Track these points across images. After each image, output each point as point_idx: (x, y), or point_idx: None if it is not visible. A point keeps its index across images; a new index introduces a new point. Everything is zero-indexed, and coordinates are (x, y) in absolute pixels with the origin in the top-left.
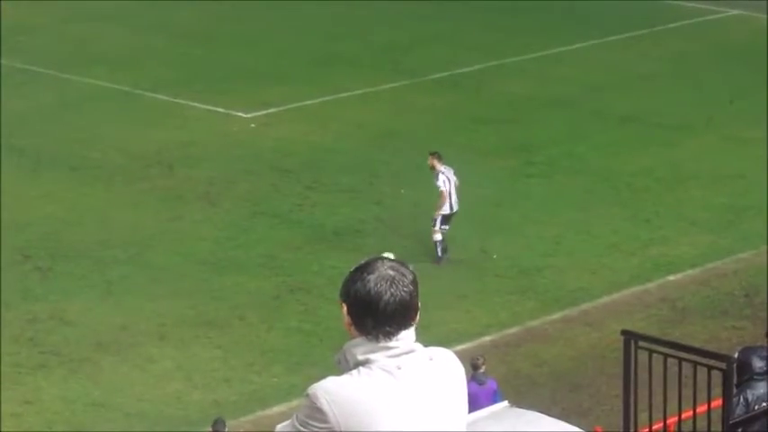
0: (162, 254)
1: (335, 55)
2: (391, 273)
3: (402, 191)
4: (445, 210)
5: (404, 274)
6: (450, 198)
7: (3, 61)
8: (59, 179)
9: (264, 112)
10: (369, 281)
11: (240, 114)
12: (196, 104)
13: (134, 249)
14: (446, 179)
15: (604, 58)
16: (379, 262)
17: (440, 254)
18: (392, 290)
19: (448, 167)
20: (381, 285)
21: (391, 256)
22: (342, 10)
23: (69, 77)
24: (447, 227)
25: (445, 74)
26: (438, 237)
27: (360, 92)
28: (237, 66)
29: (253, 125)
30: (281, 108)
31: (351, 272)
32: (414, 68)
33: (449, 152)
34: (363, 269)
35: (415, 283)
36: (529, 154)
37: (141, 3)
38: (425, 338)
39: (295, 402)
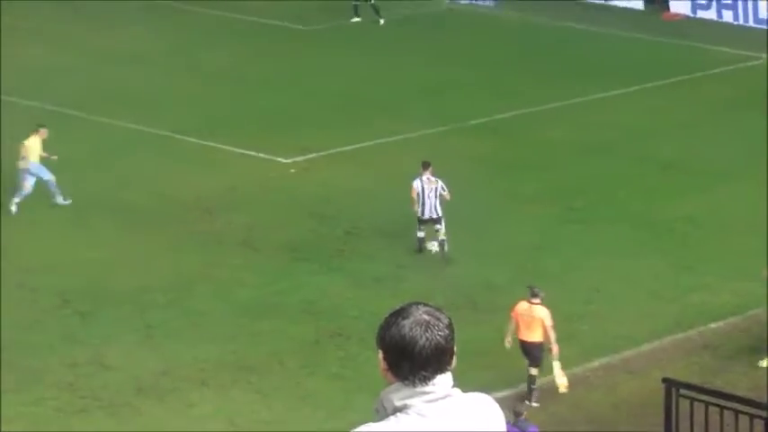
0: (202, 299)
1: (375, 100)
2: (426, 317)
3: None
4: (418, 212)
5: (439, 319)
6: (424, 205)
7: (39, 104)
8: (100, 224)
9: (304, 157)
10: (404, 326)
11: (280, 160)
12: (236, 149)
13: (174, 294)
14: (419, 185)
15: (644, 103)
16: (414, 307)
17: (418, 246)
18: (427, 334)
19: (434, 178)
20: (416, 330)
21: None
22: (382, 56)
23: (109, 122)
24: (423, 228)
25: (485, 119)
26: (420, 234)
27: (399, 137)
28: (277, 111)
29: (293, 170)
30: (320, 153)
31: (386, 317)
32: (453, 114)
33: (488, 197)
34: (399, 314)
35: (450, 327)
36: (569, 200)
37: (182, 46)
38: (465, 384)
39: None
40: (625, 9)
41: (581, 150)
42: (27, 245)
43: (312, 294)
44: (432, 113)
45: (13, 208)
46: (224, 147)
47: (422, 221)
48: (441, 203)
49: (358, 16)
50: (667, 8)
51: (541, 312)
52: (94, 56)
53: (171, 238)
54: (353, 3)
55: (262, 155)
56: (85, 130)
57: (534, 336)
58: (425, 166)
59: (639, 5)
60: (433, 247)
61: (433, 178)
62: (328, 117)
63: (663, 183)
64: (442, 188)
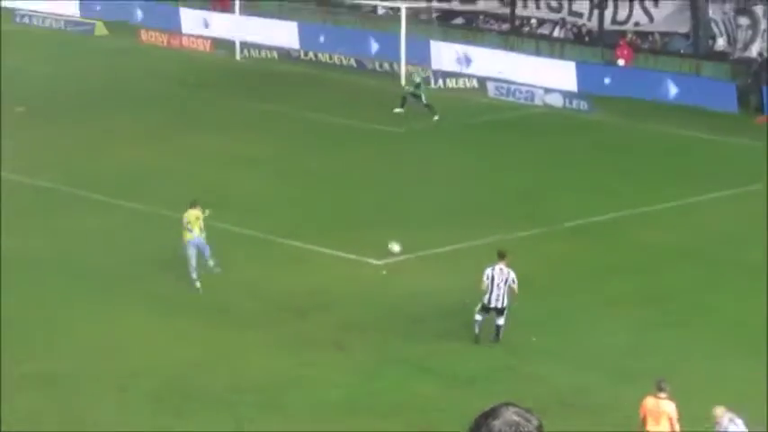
0: (293, 399)
1: (470, 202)
2: (516, 418)
3: (533, 338)
4: (484, 300)
5: (529, 420)
6: (491, 294)
7: (134, 205)
8: (191, 323)
9: (396, 259)
10: (494, 426)
11: (371, 261)
12: (327, 251)
13: (265, 394)
14: (490, 274)
15: (739, 207)
16: (504, 408)
17: (477, 331)
18: None
19: (507, 269)
20: (506, 431)
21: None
22: (476, 158)
23: (211, 224)
24: (485, 314)
25: (580, 222)
26: (477, 317)
27: (494, 239)
28: (368, 212)
29: (384, 272)
30: (412, 255)
31: (476, 418)
32: (548, 216)
33: (581, 299)
34: (488, 415)
35: (540, 428)
36: (662, 303)
37: (274, 149)
38: None
39: None
40: (720, 114)
41: (675, 254)
42: (121, 345)
43: (403, 395)
44: (527, 216)
45: (197, 279)
46: (318, 248)
47: (486, 309)
48: (508, 295)
49: (402, 108)
50: (761, 112)
51: (668, 407)
52: (201, 159)
53: (263, 338)
54: (402, 94)
55: (353, 256)
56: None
57: (662, 429)
58: (501, 255)
59: (734, 109)
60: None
61: (506, 269)
62: (422, 218)
63: (757, 287)
64: (513, 280)
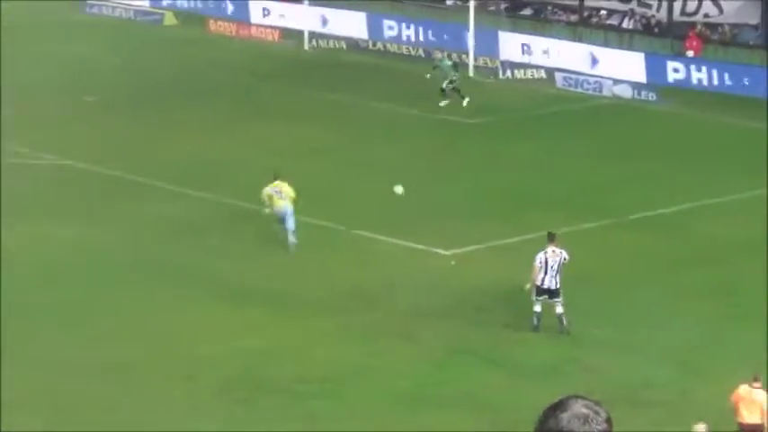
0: (361, 389)
1: (536, 193)
2: (585, 411)
3: (595, 330)
4: (538, 282)
5: (598, 413)
6: (545, 274)
7: (202, 194)
8: (260, 312)
9: (464, 249)
10: (562, 419)
11: (440, 251)
12: (396, 241)
13: (332, 384)
14: (543, 257)
15: None
16: (573, 400)
17: (535, 322)
18: (585, 428)
19: (558, 250)
20: (574, 423)
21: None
22: (543, 150)
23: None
24: (543, 298)
25: (647, 214)
26: (537, 308)
27: (560, 231)
28: (438, 203)
29: (453, 262)
30: (480, 246)
31: (544, 410)
32: (615, 209)
33: (648, 292)
34: (557, 407)
35: (609, 421)
36: (731, 297)
37: (342, 140)
38: None
39: None
40: None
41: (744, 246)
42: (189, 334)
43: (471, 386)
44: (593, 207)
45: (294, 240)
46: (386, 238)
47: (540, 291)
48: (561, 275)
49: (446, 99)
50: None
51: (761, 396)
52: (269, 149)
53: (331, 327)
54: (440, 87)
55: (422, 246)
56: (252, 223)
57: (754, 418)
58: (551, 237)
59: None
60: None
61: (557, 250)
62: (489, 209)
63: None
64: (565, 258)
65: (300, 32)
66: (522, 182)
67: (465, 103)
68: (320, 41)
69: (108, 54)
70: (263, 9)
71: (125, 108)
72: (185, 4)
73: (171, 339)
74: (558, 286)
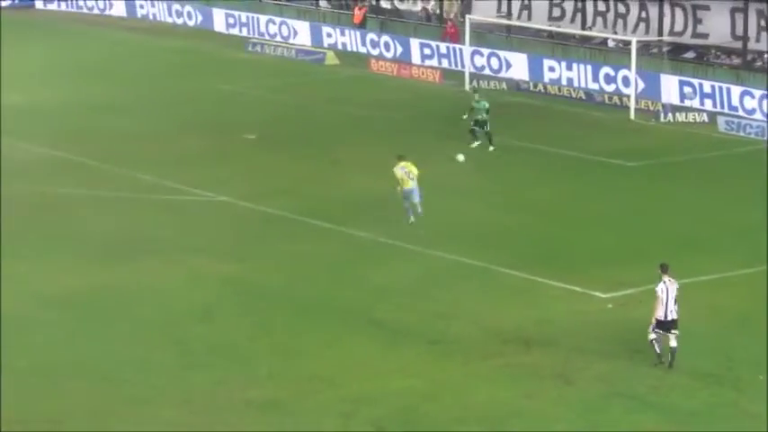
0: (516, 431)
1: (693, 237)
2: None
3: (761, 377)
4: (659, 315)
5: None
6: (667, 306)
7: (357, 233)
8: (417, 353)
9: (622, 292)
10: None
11: (597, 294)
12: (553, 283)
13: (489, 425)
14: (664, 288)
15: None
16: None
17: (658, 350)
18: None
19: (672, 280)
20: None
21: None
22: (703, 192)
23: (432, 253)
24: (661, 332)
25: None
26: (652, 336)
27: (717, 276)
28: (595, 245)
29: (610, 305)
30: (638, 289)
31: None
32: None
33: None
34: None
35: None
36: None
37: (513, 183)
38: None
39: None
40: None
41: None
42: (345, 373)
43: (625, 429)
44: (751, 252)
45: (412, 218)
46: (543, 280)
47: (661, 324)
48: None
49: (477, 140)
50: None
51: None
52: (428, 187)
53: (487, 369)
54: (470, 128)
55: (579, 289)
56: (416, 263)
57: None
58: (664, 268)
59: None
60: None
61: (672, 280)
62: (648, 253)
63: None
64: (677, 288)
65: (461, 73)
66: (680, 226)
67: (491, 149)
68: (481, 82)
69: (270, 92)
70: (424, 49)
71: (284, 146)
72: (347, 44)
73: (326, 378)
74: (677, 317)
